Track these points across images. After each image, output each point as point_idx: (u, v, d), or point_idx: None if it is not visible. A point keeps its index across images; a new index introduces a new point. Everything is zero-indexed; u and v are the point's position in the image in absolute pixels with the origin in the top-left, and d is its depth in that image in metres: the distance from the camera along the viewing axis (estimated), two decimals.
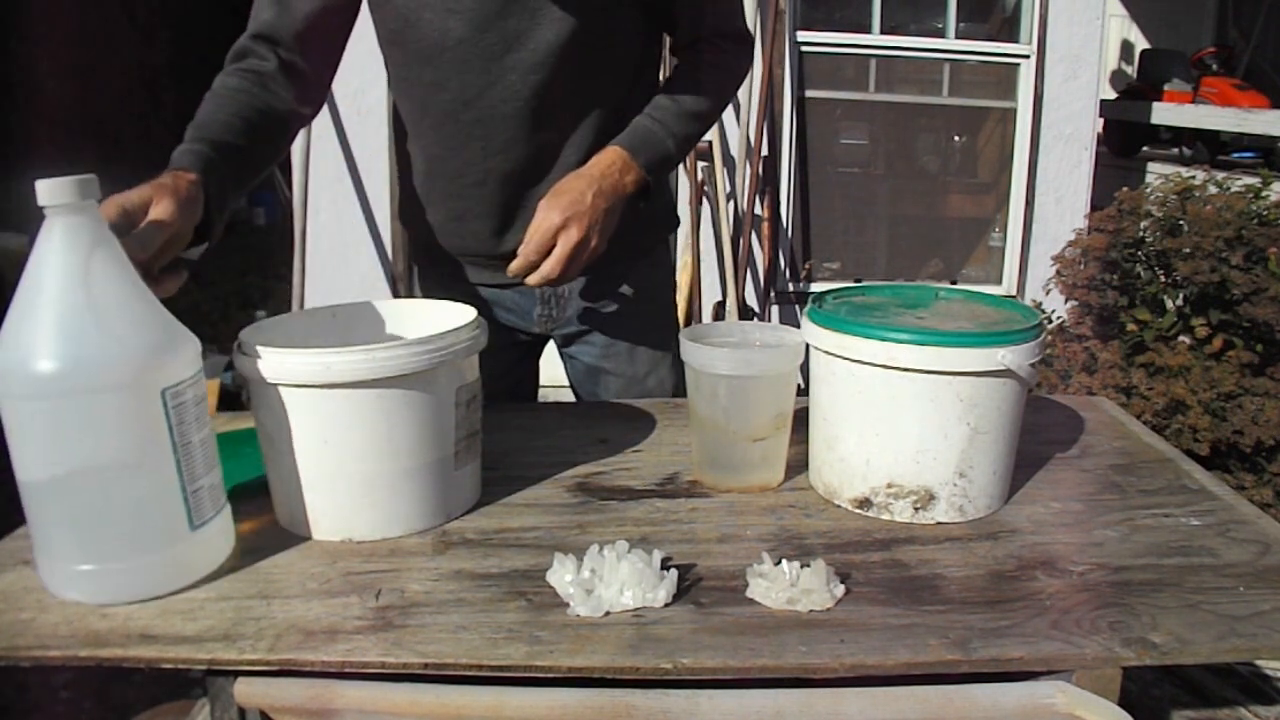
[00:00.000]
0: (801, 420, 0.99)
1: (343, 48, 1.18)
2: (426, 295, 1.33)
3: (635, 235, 1.25)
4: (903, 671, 0.69)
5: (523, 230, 1.13)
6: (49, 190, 0.70)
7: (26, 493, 0.73)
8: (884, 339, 0.86)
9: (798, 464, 1.02)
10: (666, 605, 0.76)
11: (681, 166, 3.00)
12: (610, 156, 1.12)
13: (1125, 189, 3.35)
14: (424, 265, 1.35)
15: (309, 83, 1.15)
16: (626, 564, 0.76)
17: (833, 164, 3.82)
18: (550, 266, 1.07)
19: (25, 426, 0.71)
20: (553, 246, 1.07)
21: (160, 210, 0.87)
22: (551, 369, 1.42)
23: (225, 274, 5.45)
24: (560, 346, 1.36)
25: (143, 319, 0.73)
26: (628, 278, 1.29)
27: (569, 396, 1.38)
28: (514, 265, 1.09)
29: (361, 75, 3.24)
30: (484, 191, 1.19)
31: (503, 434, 1.12)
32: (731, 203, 3.52)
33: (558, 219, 1.06)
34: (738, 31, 1.23)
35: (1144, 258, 3.24)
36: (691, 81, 1.18)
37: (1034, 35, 3.65)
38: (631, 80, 1.20)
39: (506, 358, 1.33)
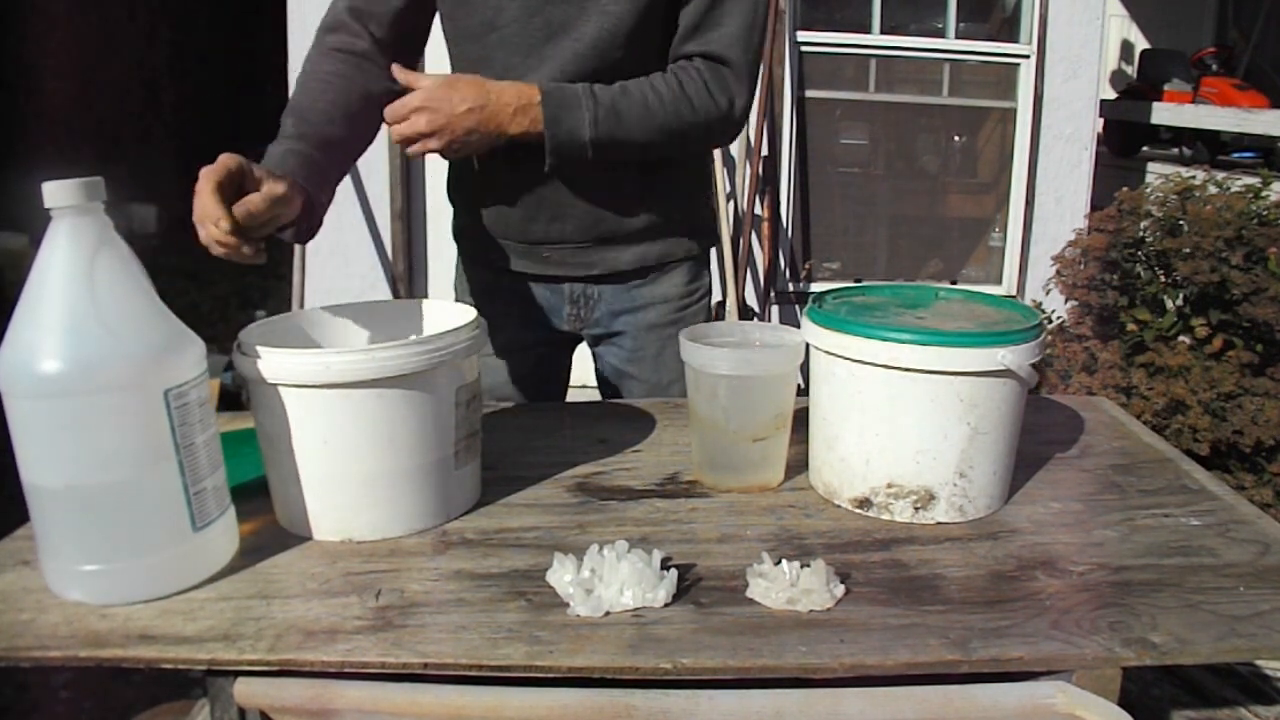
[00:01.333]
0: (801, 420, 0.99)
1: (428, 29, 1.22)
2: (465, 277, 1.34)
3: (672, 243, 1.27)
4: (903, 671, 0.69)
5: (552, 218, 1.16)
6: (55, 192, 0.70)
7: (30, 493, 0.74)
8: (884, 339, 0.86)
9: (798, 464, 1.02)
10: (666, 605, 0.76)
11: None
12: (521, 92, 1.08)
13: (1125, 189, 3.35)
14: (464, 247, 1.35)
15: (400, 61, 1.16)
16: (626, 564, 0.76)
17: (833, 164, 3.82)
18: (393, 133, 1.09)
19: (29, 426, 0.71)
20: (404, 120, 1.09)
21: (273, 187, 0.93)
22: (577, 370, 1.42)
23: (225, 274, 5.45)
24: (590, 345, 1.36)
25: (146, 320, 0.74)
26: (661, 285, 1.29)
27: (598, 397, 1.39)
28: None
29: None
30: (517, 176, 1.19)
31: (503, 434, 1.13)
32: (731, 203, 3.52)
33: (418, 101, 1.07)
34: (724, 56, 1.12)
35: (1144, 258, 3.24)
36: (654, 88, 1.11)
37: (1034, 35, 3.65)
38: None
39: (536, 354, 1.34)
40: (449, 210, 1.35)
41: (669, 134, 1.12)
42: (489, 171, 1.21)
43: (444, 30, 1.20)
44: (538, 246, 1.24)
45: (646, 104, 1.10)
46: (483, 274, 1.31)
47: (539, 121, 1.08)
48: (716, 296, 3.50)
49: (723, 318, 3.38)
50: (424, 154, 1.09)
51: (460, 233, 1.34)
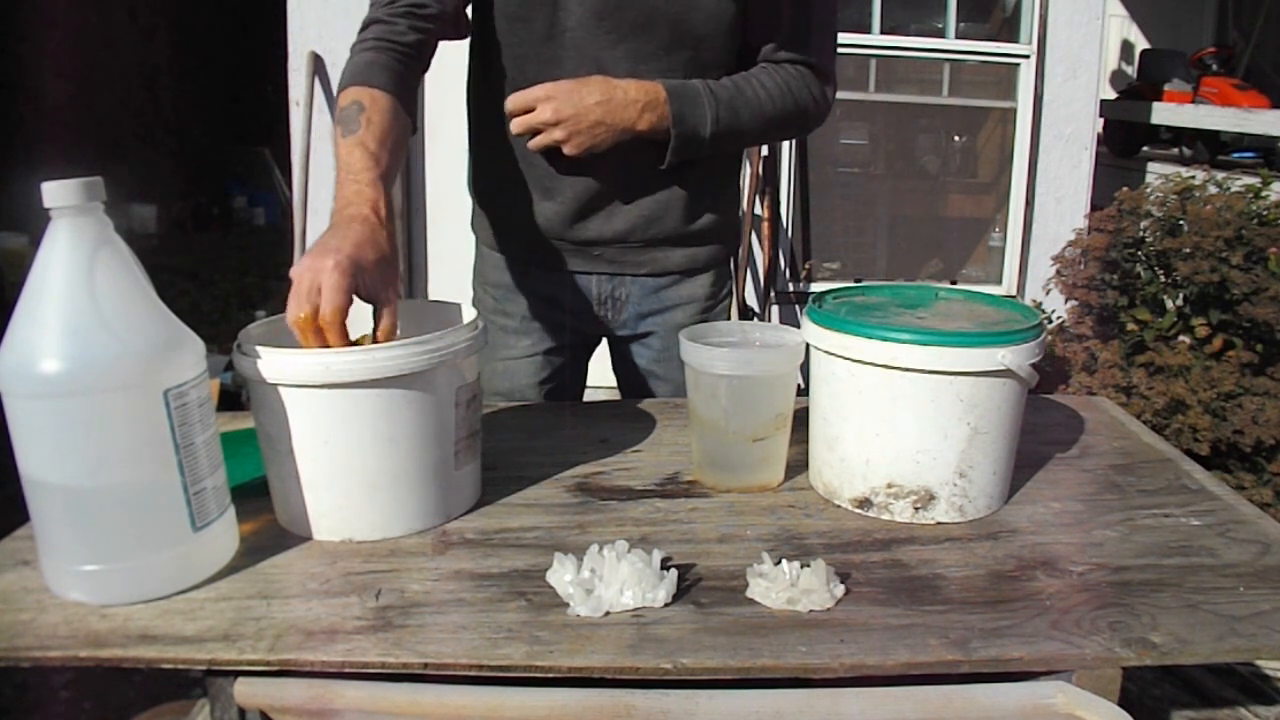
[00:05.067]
0: (801, 420, 0.99)
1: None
2: (489, 277, 1.33)
3: (717, 247, 1.29)
4: (903, 671, 0.69)
5: (607, 217, 1.19)
6: (55, 192, 0.70)
7: (30, 492, 0.73)
8: (884, 339, 0.86)
9: (798, 464, 1.02)
10: (666, 605, 0.76)
11: None
12: (648, 89, 1.11)
13: (1125, 189, 3.34)
14: (499, 245, 1.33)
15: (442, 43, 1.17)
16: (626, 564, 0.76)
17: (833, 164, 3.82)
18: (513, 126, 1.11)
19: (29, 426, 0.71)
20: (528, 112, 1.10)
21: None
22: (594, 373, 1.42)
23: (225, 274, 5.45)
24: (615, 346, 1.37)
25: (146, 321, 0.74)
26: (690, 286, 1.30)
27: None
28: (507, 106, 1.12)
29: None
30: (574, 178, 1.20)
31: (503, 434, 1.12)
32: None
33: (543, 93, 1.09)
34: (820, 66, 1.21)
35: (1144, 258, 3.24)
36: (762, 83, 1.17)
37: (1034, 35, 3.65)
38: None
39: (560, 357, 1.34)
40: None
41: (773, 128, 1.20)
42: (539, 169, 1.21)
43: (509, 34, 1.17)
44: (587, 246, 1.24)
45: (759, 102, 1.16)
46: (510, 274, 1.31)
47: (666, 118, 1.12)
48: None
49: (749, 317, 3.39)
50: (547, 145, 1.11)
51: (490, 231, 1.32)
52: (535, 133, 1.12)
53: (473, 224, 1.37)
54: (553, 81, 1.10)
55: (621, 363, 1.37)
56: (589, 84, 1.10)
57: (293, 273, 0.88)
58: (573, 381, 1.39)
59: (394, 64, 1.06)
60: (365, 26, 1.10)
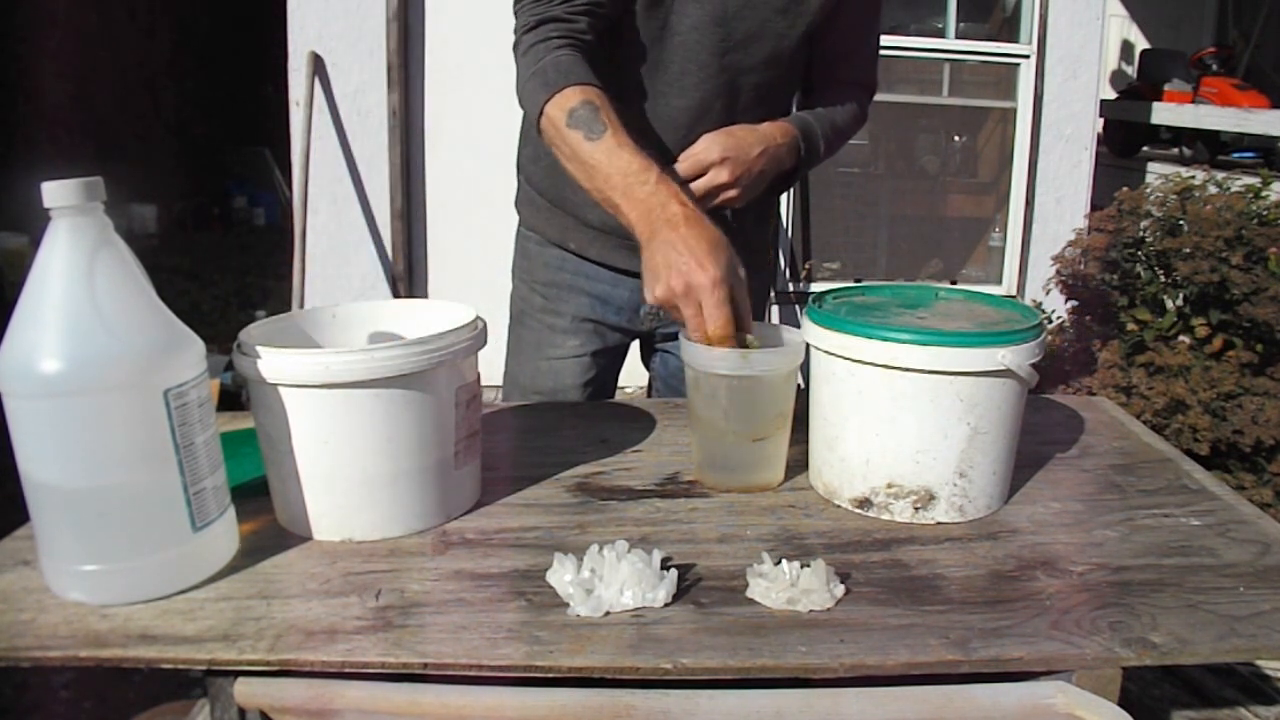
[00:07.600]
0: (801, 420, 0.99)
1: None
2: (536, 272, 1.32)
3: (751, 249, 1.32)
4: (903, 671, 0.69)
5: None
6: (55, 192, 0.70)
7: (30, 492, 0.73)
8: (884, 339, 0.86)
9: (798, 464, 1.02)
10: (666, 605, 0.76)
11: None
12: (784, 128, 1.17)
13: (1125, 189, 3.34)
14: (545, 244, 1.32)
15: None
16: (626, 564, 0.76)
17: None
18: (693, 187, 1.12)
19: (29, 426, 0.71)
20: (700, 176, 1.12)
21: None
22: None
23: (225, 274, 5.45)
24: (657, 342, 1.38)
25: (146, 320, 0.74)
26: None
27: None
28: None
29: (361, 75, 3.24)
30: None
31: (503, 434, 1.13)
32: None
33: (717, 155, 1.11)
34: (873, 84, 1.32)
35: (1144, 258, 3.23)
36: (839, 109, 1.27)
37: (1034, 35, 3.65)
38: (785, 111, 1.27)
39: (606, 357, 1.34)
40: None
41: (844, 143, 1.31)
42: None
43: (625, 33, 1.15)
44: None
45: (843, 126, 1.28)
46: (564, 272, 1.30)
47: (797, 154, 1.19)
48: None
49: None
50: (720, 204, 1.14)
51: (551, 225, 1.30)
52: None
53: (523, 216, 1.35)
54: (712, 143, 1.12)
55: (663, 361, 1.38)
56: (741, 135, 1.13)
57: (671, 285, 0.92)
58: (611, 382, 1.39)
59: (591, 64, 1.06)
60: (539, 23, 1.07)
